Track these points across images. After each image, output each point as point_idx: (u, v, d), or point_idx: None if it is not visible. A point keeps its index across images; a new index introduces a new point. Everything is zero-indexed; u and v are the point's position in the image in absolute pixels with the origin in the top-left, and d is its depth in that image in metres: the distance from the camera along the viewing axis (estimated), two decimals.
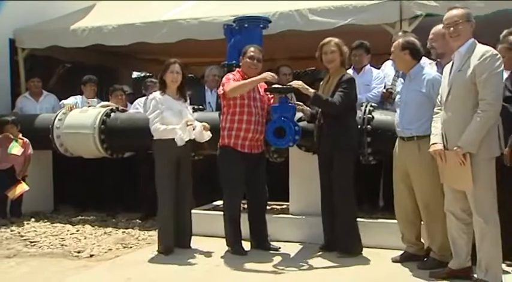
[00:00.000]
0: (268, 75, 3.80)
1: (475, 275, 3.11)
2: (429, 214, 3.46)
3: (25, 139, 5.33)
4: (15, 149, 5.19)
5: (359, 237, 3.79)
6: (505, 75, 3.39)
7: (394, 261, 3.63)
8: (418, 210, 3.54)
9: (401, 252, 3.67)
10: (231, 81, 3.85)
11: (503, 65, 3.04)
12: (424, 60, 4.26)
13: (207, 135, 3.97)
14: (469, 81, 3.01)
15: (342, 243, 3.78)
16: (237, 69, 4.04)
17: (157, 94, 4.00)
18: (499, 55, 3.05)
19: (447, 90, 3.13)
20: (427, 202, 3.45)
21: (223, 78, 3.96)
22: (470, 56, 3.04)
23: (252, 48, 3.93)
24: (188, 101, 4.17)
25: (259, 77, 3.84)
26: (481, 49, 3.04)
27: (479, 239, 3.06)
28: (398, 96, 3.68)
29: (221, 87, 3.90)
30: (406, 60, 3.54)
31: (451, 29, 3.11)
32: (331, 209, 3.81)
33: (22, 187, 5.18)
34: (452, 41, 3.15)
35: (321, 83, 3.95)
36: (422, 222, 3.59)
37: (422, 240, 3.63)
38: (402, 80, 3.72)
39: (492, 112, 2.97)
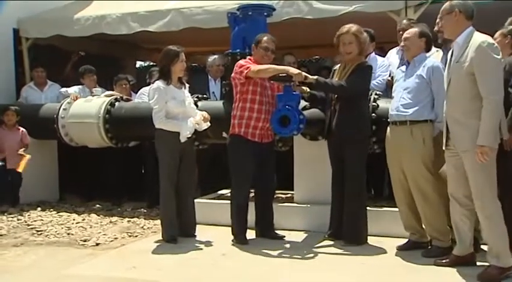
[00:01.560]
0: (293, 70, 3.67)
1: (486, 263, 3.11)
2: (425, 200, 3.46)
3: (22, 129, 5.34)
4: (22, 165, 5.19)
5: (366, 227, 3.79)
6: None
7: (399, 249, 3.63)
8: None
9: (406, 240, 3.67)
10: (255, 64, 3.79)
11: (500, 53, 3.00)
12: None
13: (205, 125, 3.98)
14: (467, 72, 2.99)
15: (348, 232, 3.77)
16: (248, 57, 3.99)
17: (160, 83, 3.94)
18: (496, 44, 3.01)
19: (447, 81, 3.13)
20: (422, 188, 3.45)
21: (240, 63, 3.87)
22: (468, 46, 3.01)
23: (266, 38, 3.88)
24: (187, 87, 4.15)
25: (283, 67, 3.79)
26: (477, 39, 3.00)
27: (486, 229, 3.06)
28: (395, 84, 3.66)
29: (241, 69, 3.78)
30: (420, 47, 3.54)
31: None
32: (342, 197, 3.80)
33: (26, 158, 5.17)
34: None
35: (335, 68, 3.90)
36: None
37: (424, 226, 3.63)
38: (403, 68, 3.67)
39: (495, 103, 2.94)
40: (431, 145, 3.46)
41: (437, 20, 3.78)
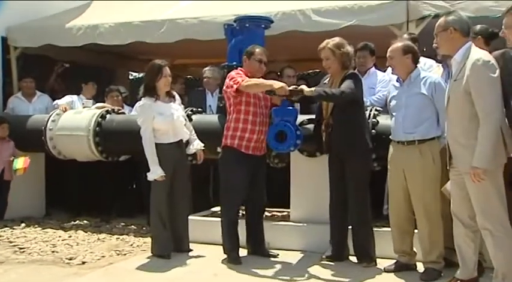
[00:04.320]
0: (276, 85, 3.61)
1: None
2: (430, 221, 3.40)
3: (10, 141, 5.20)
4: (20, 162, 5.01)
5: (374, 245, 3.73)
6: None
7: (386, 271, 3.55)
8: (412, 219, 3.49)
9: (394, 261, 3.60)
10: (247, 78, 3.74)
11: (497, 70, 2.92)
12: (431, 62, 4.16)
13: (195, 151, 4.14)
14: (464, 91, 2.94)
15: (362, 250, 3.70)
16: (239, 68, 3.92)
17: (146, 100, 3.90)
18: (492, 61, 2.94)
19: (447, 99, 3.09)
20: (429, 208, 3.40)
21: (232, 75, 3.81)
22: (466, 63, 2.96)
23: (258, 50, 3.83)
24: (178, 100, 4.11)
25: (270, 82, 3.71)
26: (473, 56, 2.95)
27: (493, 250, 2.97)
28: (394, 101, 3.58)
29: (232, 83, 3.73)
30: (407, 64, 3.48)
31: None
32: (341, 215, 3.74)
33: (25, 159, 5.02)
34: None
35: (325, 81, 3.85)
36: (416, 231, 3.52)
37: (414, 249, 3.57)
38: (397, 84, 3.58)
39: (492, 123, 2.87)
40: (440, 163, 3.40)
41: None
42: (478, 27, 3.55)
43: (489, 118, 2.87)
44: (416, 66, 3.52)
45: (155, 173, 3.85)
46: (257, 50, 3.83)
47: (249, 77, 3.77)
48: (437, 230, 3.40)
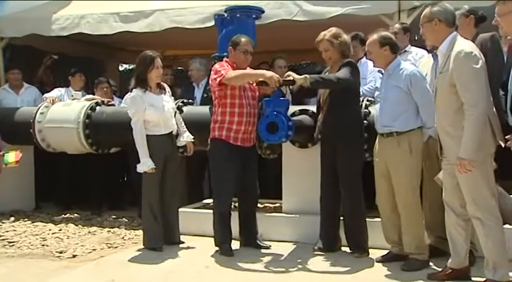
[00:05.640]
0: (268, 74, 3.58)
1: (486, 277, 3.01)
2: (407, 212, 3.41)
3: None
4: (11, 156, 4.90)
5: (367, 237, 3.72)
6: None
7: (378, 261, 3.56)
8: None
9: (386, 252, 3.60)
10: (230, 70, 3.69)
11: (480, 61, 2.92)
12: (423, 52, 4.15)
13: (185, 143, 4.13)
14: (449, 83, 2.95)
15: (355, 241, 3.70)
16: (225, 59, 3.89)
17: (137, 92, 3.85)
18: (474, 52, 2.93)
19: (434, 91, 3.10)
20: (406, 200, 3.40)
21: (216, 68, 3.77)
22: (450, 54, 2.96)
23: (244, 40, 3.79)
24: (169, 92, 4.08)
25: (258, 72, 3.71)
26: (457, 47, 2.94)
27: (483, 239, 2.99)
28: (377, 92, 3.60)
29: (216, 76, 3.70)
30: (385, 56, 3.46)
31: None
32: (333, 206, 3.73)
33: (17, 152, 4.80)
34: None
35: (324, 73, 3.85)
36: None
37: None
38: (380, 75, 3.59)
39: (476, 114, 2.88)
40: (418, 154, 3.40)
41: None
42: (471, 7, 3.54)
43: (474, 110, 2.87)
44: (395, 56, 3.48)
45: (145, 164, 3.81)
46: (242, 39, 3.79)
47: (234, 68, 3.74)
48: (415, 222, 3.39)
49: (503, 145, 3.02)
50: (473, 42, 3.44)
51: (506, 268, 2.96)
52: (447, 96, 2.98)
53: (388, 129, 3.41)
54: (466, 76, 2.89)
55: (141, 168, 3.83)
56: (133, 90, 3.91)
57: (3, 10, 5.90)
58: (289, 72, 3.60)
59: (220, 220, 3.82)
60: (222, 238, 3.82)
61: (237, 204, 4.01)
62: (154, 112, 3.84)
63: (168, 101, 4.00)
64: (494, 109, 3.01)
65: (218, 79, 3.66)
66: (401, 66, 3.44)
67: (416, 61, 4.20)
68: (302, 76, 3.50)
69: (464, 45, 2.96)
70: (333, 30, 3.68)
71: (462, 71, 2.90)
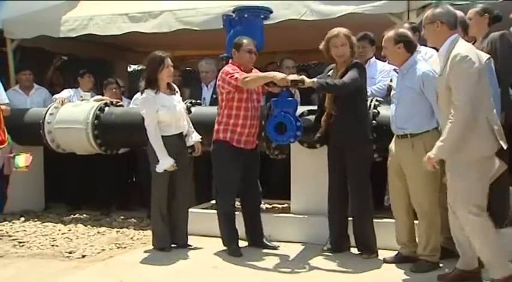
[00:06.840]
0: (278, 76, 3.57)
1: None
2: (424, 215, 3.38)
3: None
4: (22, 160, 4.93)
5: (375, 237, 3.70)
6: None
7: (387, 262, 3.53)
8: (412, 210, 3.46)
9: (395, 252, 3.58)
10: (244, 73, 3.71)
11: (475, 65, 2.88)
12: (432, 52, 4.11)
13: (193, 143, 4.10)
14: (447, 87, 2.94)
15: (363, 241, 3.68)
16: (230, 61, 3.89)
17: (149, 92, 3.84)
18: (470, 56, 2.90)
19: (436, 93, 3.10)
20: (420, 201, 3.37)
21: (226, 70, 3.77)
22: (449, 57, 2.94)
23: (246, 41, 3.81)
24: (178, 92, 4.07)
25: (270, 74, 3.72)
26: (454, 51, 2.93)
27: (472, 241, 2.97)
28: (393, 92, 3.56)
29: (228, 77, 3.69)
30: (400, 54, 3.41)
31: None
32: (341, 206, 3.72)
33: (27, 156, 4.82)
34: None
35: (329, 73, 3.82)
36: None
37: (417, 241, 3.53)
38: (396, 74, 3.55)
39: (462, 116, 2.87)
40: None
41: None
42: (487, 6, 3.51)
43: (459, 113, 2.86)
44: (411, 54, 3.42)
45: (165, 163, 3.77)
46: (245, 41, 3.80)
47: (241, 70, 3.74)
48: (431, 225, 3.35)
49: (505, 147, 2.98)
50: (484, 40, 3.42)
51: (501, 266, 2.92)
52: (446, 99, 2.97)
53: (402, 131, 3.38)
54: (458, 79, 2.88)
55: (161, 167, 3.78)
56: (145, 91, 3.89)
57: (3, 10, 5.93)
58: (302, 76, 3.56)
59: (225, 220, 3.83)
60: (229, 238, 3.83)
61: (240, 205, 4.00)
62: (166, 112, 3.82)
63: (179, 101, 3.99)
64: (494, 111, 2.98)
65: (233, 82, 3.67)
66: (416, 66, 3.38)
67: (426, 61, 4.17)
68: (311, 80, 3.50)
69: (461, 48, 2.94)
70: (345, 29, 3.65)
71: (456, 74, 2.89)
